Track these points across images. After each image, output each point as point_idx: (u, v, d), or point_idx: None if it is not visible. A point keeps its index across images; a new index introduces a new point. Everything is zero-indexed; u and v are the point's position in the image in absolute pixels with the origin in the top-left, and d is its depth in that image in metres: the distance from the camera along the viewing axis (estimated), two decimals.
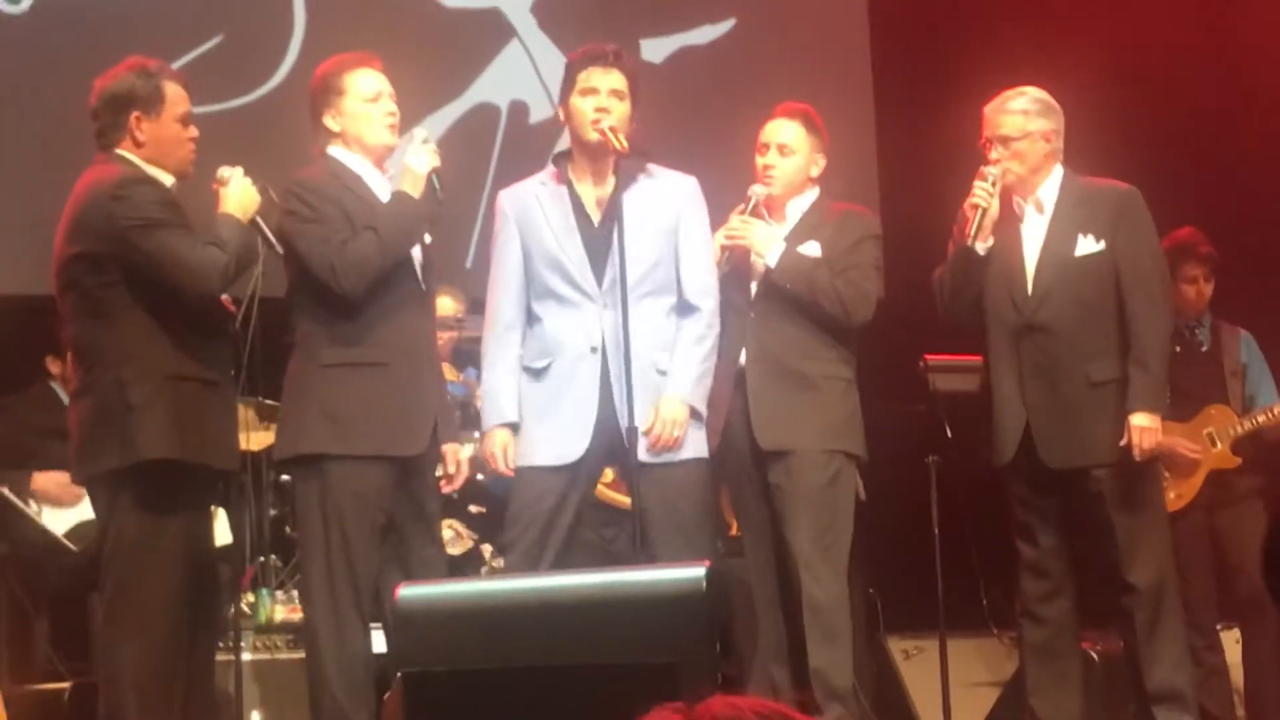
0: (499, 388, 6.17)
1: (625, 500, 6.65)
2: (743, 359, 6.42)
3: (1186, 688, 6.36)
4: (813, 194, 6.59)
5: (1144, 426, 6.22)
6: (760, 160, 6.53)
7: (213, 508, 6.33)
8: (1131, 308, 6.31)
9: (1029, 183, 6.45)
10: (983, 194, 6.35)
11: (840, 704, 6.28)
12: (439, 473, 6.28)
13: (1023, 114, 6.44)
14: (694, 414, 6.15)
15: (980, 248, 6.38)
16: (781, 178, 6.50)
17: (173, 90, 5.94)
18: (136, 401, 5.74)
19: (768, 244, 6.42)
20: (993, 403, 6.44)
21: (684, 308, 6.23)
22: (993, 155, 6.42)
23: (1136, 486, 6.33)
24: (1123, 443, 6.23)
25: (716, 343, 6.25)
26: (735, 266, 6.46)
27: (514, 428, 6.14)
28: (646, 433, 6.04)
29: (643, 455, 6.00)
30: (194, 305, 5.81)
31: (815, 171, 6.57)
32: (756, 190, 6.48)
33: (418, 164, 6.03)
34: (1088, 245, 6.37)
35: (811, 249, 6.46)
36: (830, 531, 6.32)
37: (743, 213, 6.46)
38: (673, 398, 6.12)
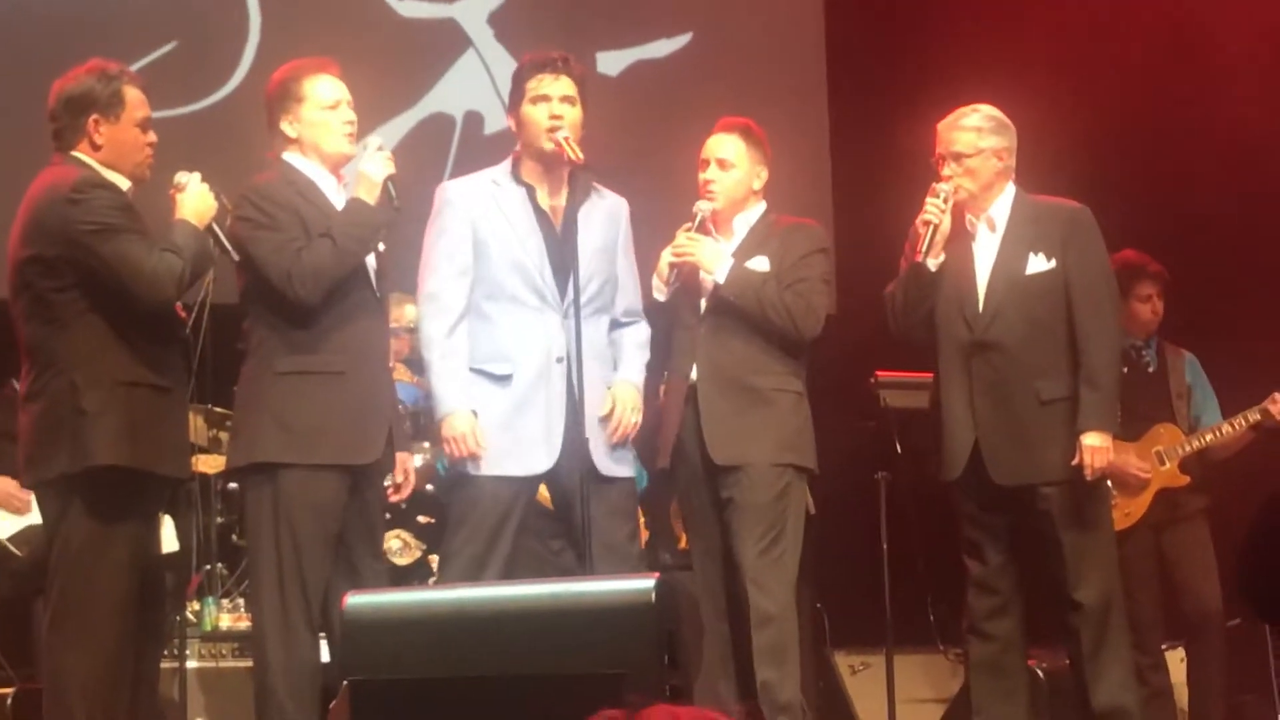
0: (457, 376, 6.06)
1: (548, 498, 6.61)
2: (693, 375, 6.42)
3: (1132, 706, 6.39)
4: (759, 208, 6.59)
5: (1095, 446, 6.25)
6: (702, 175, 6.53)
7: (159, 515, 6.30)
8: (1082, 326, 6.33)
9: (981, 200, 6.47)
10: (934, 210, 6.36)
11: (786, 717, 6.28)
12: (387, 482, 6.26)
13: (975, 131, 6.46)
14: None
15: (931, 264, 6.40)
16: (723, 192, 6.50)
17: (132, 94, 5.90)
18: (89, 407, 5.70)
19: (715, 260, 6.42)
20: (942, 419, 6.45)
21: (621, 322, 6.27)
22: (945, 171, 6.44)
23: (1085, 505, 6.35)
24: (1074, 462, 6.25)
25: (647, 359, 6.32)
26: (684, 283, 6.47)
27: (474, 415, 6.09)
28: (605, 418, 6.05)
29: (607, 469, 6.03)
30: (149, 311, 5.77)
31: (758, 185, 6.56)
32: (702, 206, 6.47)
33: (373, 171, 6.01)
34: (1038, 263, 6.39)
35: (760, 264, 6.46)
36: (778, 545, 6.32)
37: (689, 230, 6.46)
38: (626, 383, 6.18)
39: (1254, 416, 7.56)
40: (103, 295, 5.74)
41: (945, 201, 6.37)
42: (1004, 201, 6.48)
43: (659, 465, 6.52)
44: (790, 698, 6.31)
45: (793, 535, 6.37)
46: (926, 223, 6.36)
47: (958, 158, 6.44)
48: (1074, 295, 6.35)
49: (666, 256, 6.44)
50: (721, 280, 6.40)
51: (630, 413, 6.14)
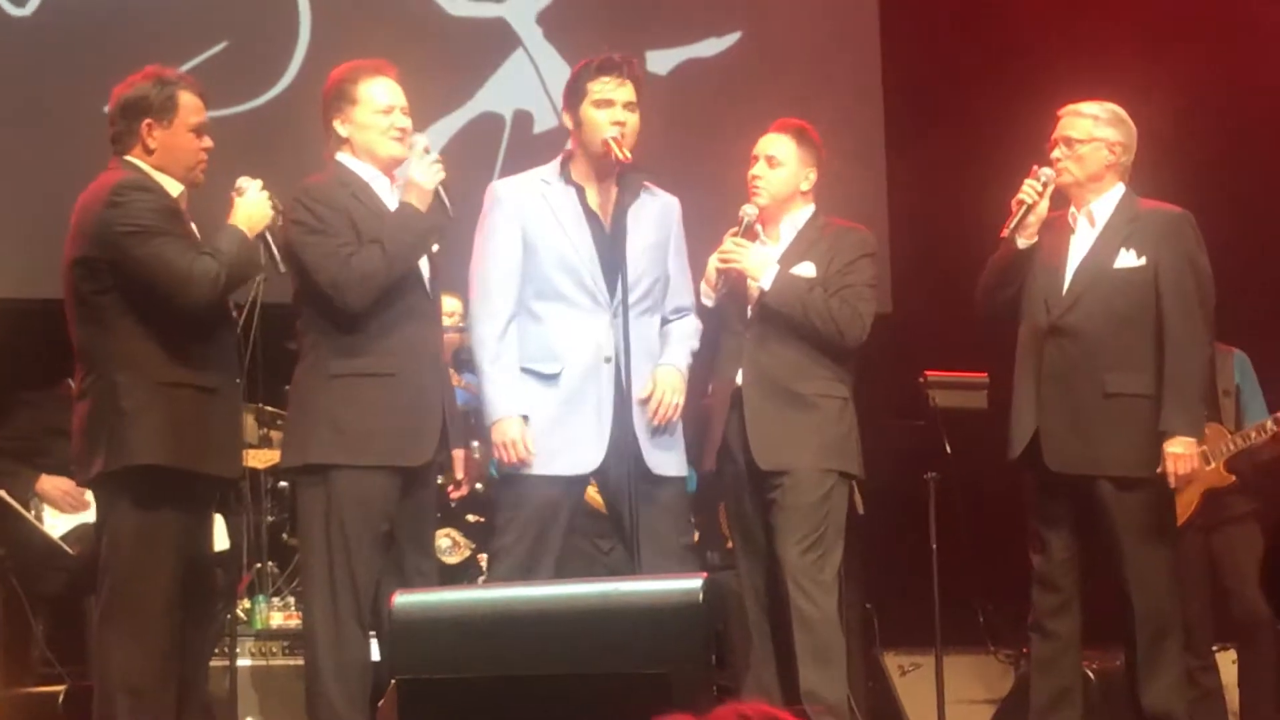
0: (507, 379, 6.07)
1: (601, 502, 6.62)
2: (739, 380, 6.42)
3: (1181, 711, 6.37)
4: (807, 210, 6.58)
5: (1179, 454, 6.24)
6: (750, 172, 6.53)
7: (210, 513, 6.33)
8: (1170, 328, 6.30)
9: (1086, 191, 6.46)
10: (1030, 191, 6.36)
11: (833, 718, 6.27)
12: (443, 480, 6.28)
13: (1093, 119, 6.46)
14: (680, 430, 6.20)
15: (1021, 243, 6.39)
16: (768, 189, 6.49)
17: (187, 99, 5.93)
18: (128, 406, 5.75)
19: (761, 267, 6.42)
20: (1013, 400, 6.46)
21: (670, 319, 6.28)
22: (1055, 154, 6.43)
23: (1147, 506, 6.33)
24: (1159, 470, 6.24)
25: (695, 351, 6.31)
26: (731, 288, 6.47)
27: (525, 419, 6.10)
28: (644, 401, 6.05)
29: (658, 467, 6.03)
30: (185, 312, 5.80)
31: (806, 186, 6.55)
32: (748, 211, 6.47)
33: (424, 179, 6.01)
34: (1128, 259, 6.37)
35: (806, 269, 6.46)
36: (819, 547, 6.32)
37: (736, 234, 6.46)
38: (669, 367, 6.17)
39: (1271, 426, 7.47)
40: (141, 297, 5.79)
41: (1043, 185, 6.36)
42: (1110, 199, 6.47)
43: (704, 468, 6.53)
44: (836, 699, 6.31)
45: (835, 538, 6.36)
46: (1020, 201, 6.36)
47: (1069, 142, 6.44)
48: (1164, 296, 6.32)
49: (713, 262, 6.45)
50: (767, 287, 6.40)
51: (671, 394, 6.11)
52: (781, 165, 6.51)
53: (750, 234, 6.47)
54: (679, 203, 6.34)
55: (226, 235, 5.86)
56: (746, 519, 6.49)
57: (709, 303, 6.46)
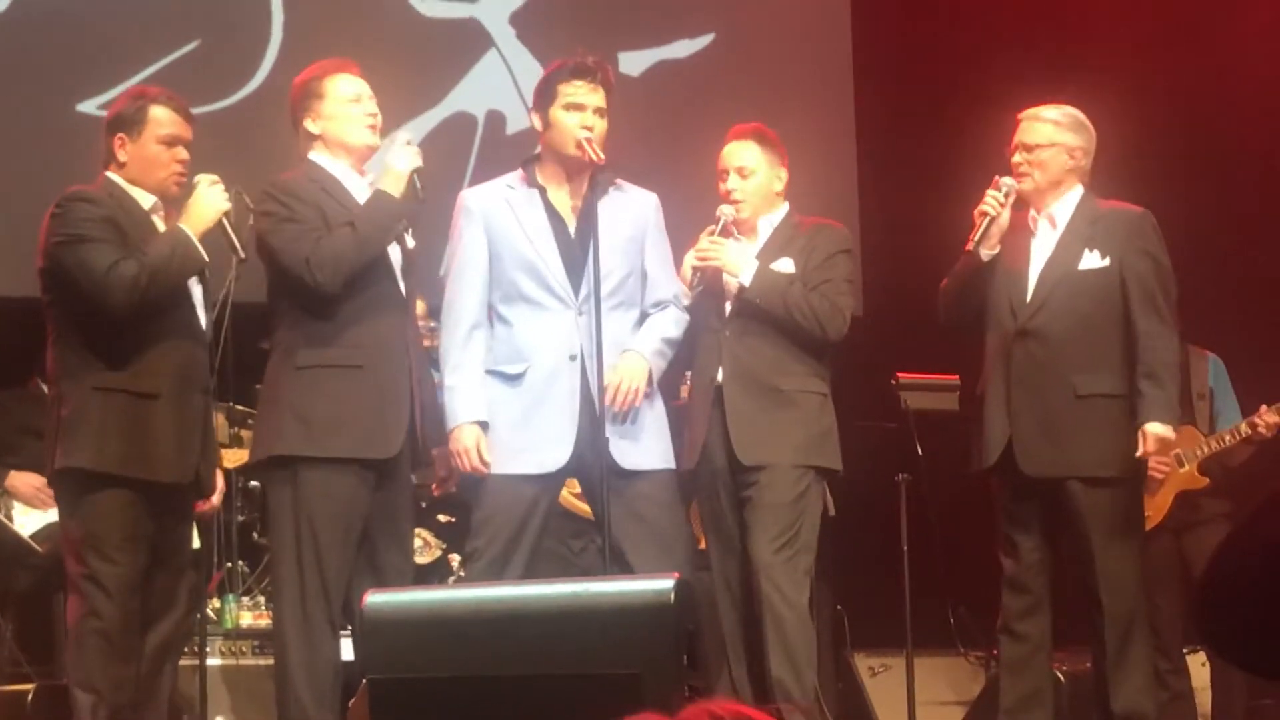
0: (467, 386, 6.10)
1: (588, 510, 6.64)
2: (719, 376, 6.43)
3: (1151, 712, 6.39)
4: (782, 209, 6.60)
5: (1159, 434, 6.26)
6: (723, 186, 6.54)
7: (165, 517, 6.30)
8: (1139, 325, 6.32)
9: (1046, 196, 6.47)
10: (993, 202, 6.38)
11: (802, 716, 6.28)
12: (420, 480, 6.28)
13: (1053, 124, 6.48)
14: (659, 422, 6.19)
15: (985, 254, 6.41)
16: (746, 200, 6.52)
17: (158, 113, 6.05)
18: (65, 414, 5.89)
19: (740, 263, 6.43)
20: (984, 408, 6.46)
21: (650, 314, 6.27)
22: (1015, 159, 6.44)
23: (1116, 508, 6.35)
24: (1139, 453, 6.27)
25: (678, 344, 6.31)
26: (708, 286, 6.47)
27: (484, 426, 6.10)
28: (605, 388, 6.04)
29: (629, 462, 6.01)
30: (106, 317, 5.86)
31: (779, 186, 6.58)
32: (725, 210, 6.48)
33: (400, 163, 6.04)
34: (1092, 260, 6.39)
35: (785, 265, 6.48)
36: (793, 545, 6.33)
37: (713, 233, 6.46)
38: (633, 354, 6.15)
39: (1245, 430, 7.52)
40: (77, 304, 5.91)
41: (1006, 196, 6.38)
42: (1069, 201, 6.48)
43: (683, 466, 6.52)
44: (804, 696, 6.32)
45: (808, 535, 6.38)
46: (983, 213, 6.38)
47: (1030, 148, 6.45)
48: (1131, 295, 6.34)
49: (690, 260, 6.45)
50: (747, 283, 6.41)
51: (631, 380, 6.07)
52: (753, 173, 6.53)
53: (726, 232, 6.47)
54: (656, 198, 6.35)
55: (161, 238, 5.97)
56: (721, 516, 6.49)
57: (685, 301, 6.46)
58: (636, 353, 6.16)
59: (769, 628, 6.28)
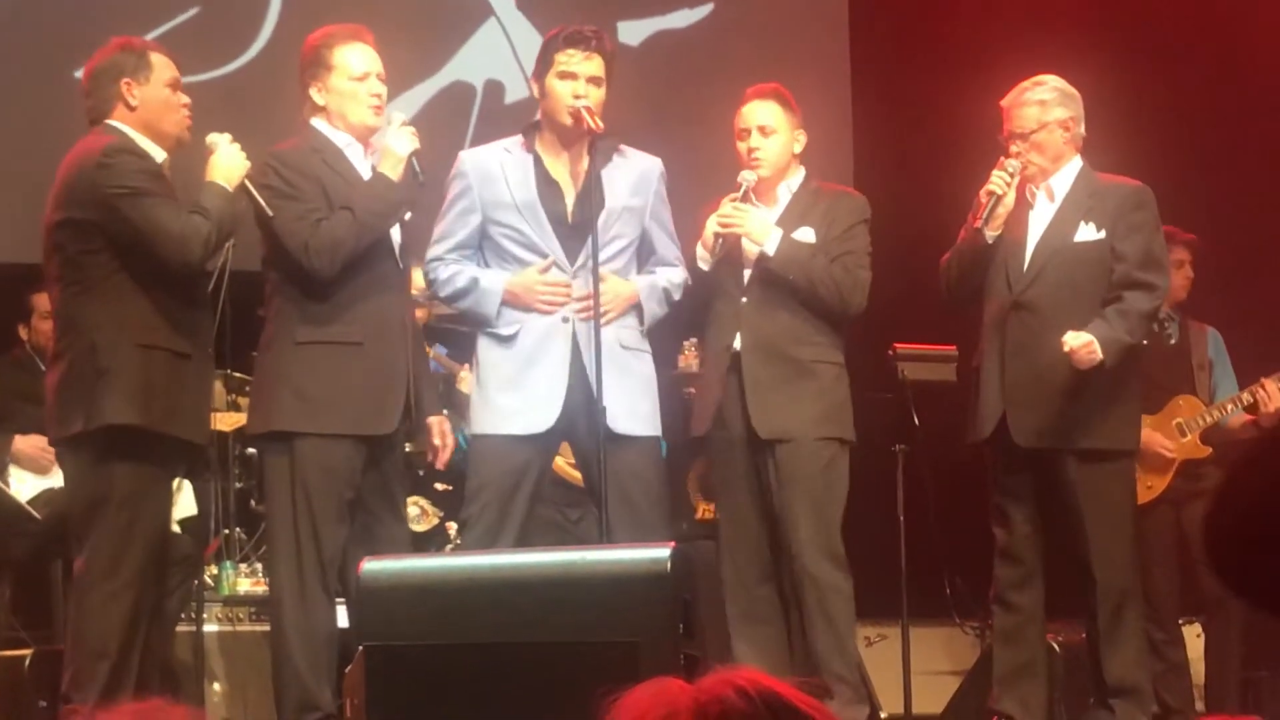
0: (476, 275, 6.12)
1: (580, 477, 6.64)
2: (736, 344, 6.41)
3: (1144, 683, 6.42)
4: (799, 174, 6.58)
5: (1075, 347, 6.19)
6: (743, 145, 6.48)
7: (178, 479, 6.33)
8: (1122, 289, 6.34)
9: (1047, 171, 6.47)
10: (999, 182, 6.36)
11: (845, 686, 6.31)
12: (413, 448, 6.29)
13: (1039, 105, 6.46)
14: (648, 387, 6.20)
15: (990, 235, 6.39)
16: (768, 159, 6.47)
17: (158, 59, 5.96)
18: (106, 366, 5.75)
19: (764, 232, 6.40)
20: (979, 379, 6.47)
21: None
22: (1013, 149, 6.43)
23: (1108, 480, 6.37)
24: (1066, 348, 6.21)
25: (673, 301, 6.30)
26: (727, 253, 6.44)
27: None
28: (580, 299, 6.06)
29: (616, 426, 6.00)
30: (176, 275, 5.81)
31: (798, 148, 6.54)
32: (747, 176, 6.43)
33: (398, 146, 6.03)
34: (1088, 232, 6.39)
35: (805, 234, 6.45)
36: (826, 517, 6.35)
37: (735, 199, 6.41)
38: (625, 282, 6.17)
39: (1246, 399, 7.53)
40: (130, 259, 5.79)
41: (1012, 176, 6.36)
42: (1067, 174, 6.48)
43: (694, 433, 6.51)
44: (846, 668, 6.34)
45: (838, 507, 6.41)
46: (990, 193, 6.36)
47: (1024, 136, 6.43)
48: (1120, 266, 6.35)
49: (712, 225, 6.40)
50: (771, 252, 6.38)
51: (612, 298, 6.07)
52: (775, 132, 6.48)
53: (746, 199, 6.42)
54: (661, 163, 6.34)
55: (209, 192, 5.87)
56: (735, 485, 6.47)
57: (705, 266, 6.41)
58: (629, 282, 6.18)
59: (810, 603, 6.31)
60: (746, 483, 6.44)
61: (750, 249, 6.43)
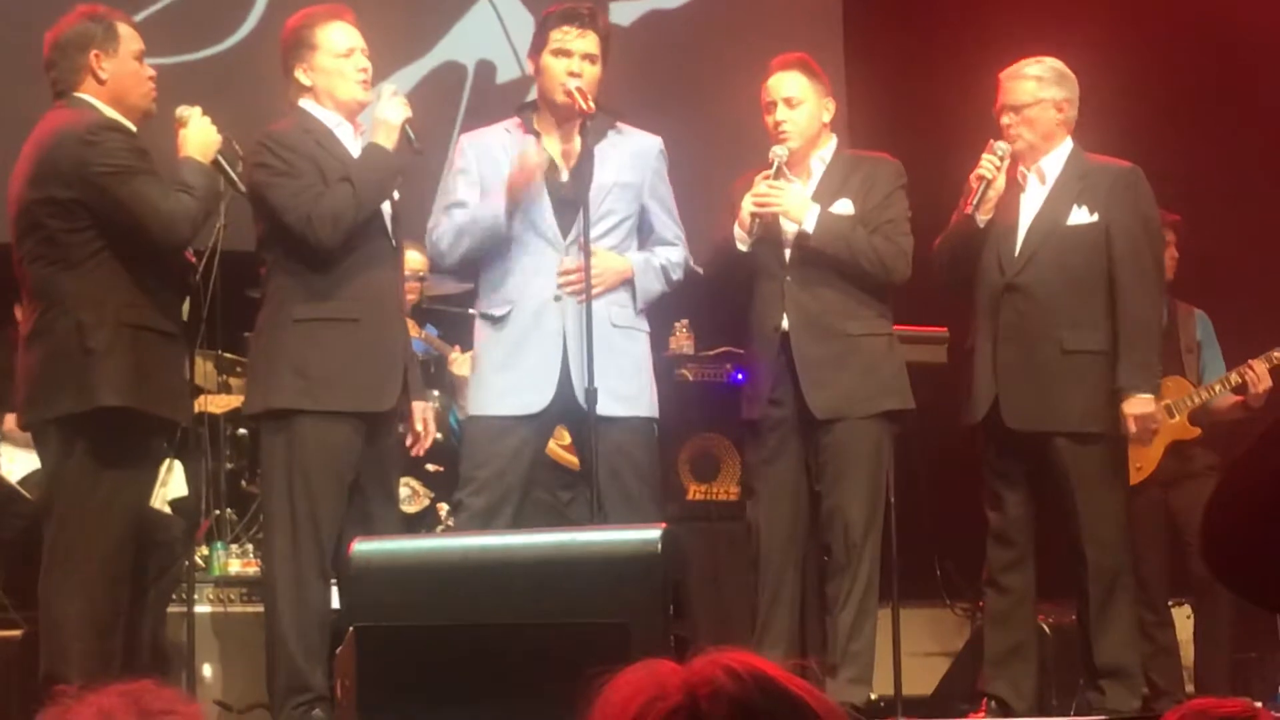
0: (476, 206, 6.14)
1: (575, 461, 6.64)
2: (784, 324, 6.37)
3: (1134, 665, 6.43)
4: (831, 143, 6.53)
5: (1140, 414, 6.28)
6: (771, 119, 6.42)
7: (169, 460, 6.32)
8: (1122, 280, 6.34)
9: (1037, 150, 6.46)
10: (989, 166, 6.34)
11: (856, 668, 6.37)
12: (401, 430, 6.29)
13: (1036, 80, 6.45)
14: (643, 369, 6.20)
15: (981, 219, 6.38)
16: (797, 130, 6.40)
17: (125, 29, 5.90)
18: (96, 346, 5.71)
19: (802, 208, 6.34)
20: (972, 362, 6.47)
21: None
22: (1004, 120, 6.42)
23: (1100, 462, 6.39)
24: (1122, 430, 6.28)
25: (671, 280, 6.28)
26: (765, 231, 6.39)
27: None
28: (566, 272, 6.07)
29: (602, 408, 5.99)
30: (163, 254, 5.79)
31: (827, 117, 6.48)
32: (778, 152, 6.36)
33: (391, 115, 6.03)
34: (1080, 215, 6.39)
35: (844, 206, 6.39)
36: (875, 503, 6.37)
37: (768, 177, 6.36)
38: (618, 256, 6.17)
39: (1234, 379, 7.55)
40: (116, 237, 5.76)
41: (1001, 159, 6.35)
42: (1058, 155, 6.48)
43: (746, 416, 6.48)
44: (858, 645, 6.37)
45: (884, 492, 6.41)
46: (980, 177, 6.35)
47: (1017, 109, 6.43)
48: (1115, 251, 6.35)
49: (748, 206, 6.34)
50: (810, 229, 6.34)
51: (604, 270, 6.08)
52: (802, 102, 6.41)
53: (780, 175, 6.36)
54: (661, 141, 6.33)
55: (188, 169, 5.83)
56: (781, 465, 6.41)
57: (744, 248, 6.37)
58: (625, 258, 6.17)
59: (844, 581, 6.32)
60: (794, 462, 6.39)
61: (789, 227, 6.38)
